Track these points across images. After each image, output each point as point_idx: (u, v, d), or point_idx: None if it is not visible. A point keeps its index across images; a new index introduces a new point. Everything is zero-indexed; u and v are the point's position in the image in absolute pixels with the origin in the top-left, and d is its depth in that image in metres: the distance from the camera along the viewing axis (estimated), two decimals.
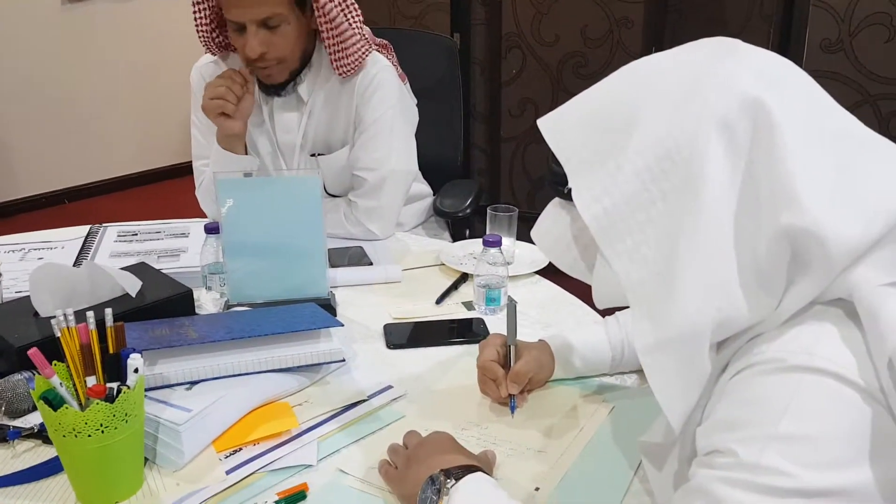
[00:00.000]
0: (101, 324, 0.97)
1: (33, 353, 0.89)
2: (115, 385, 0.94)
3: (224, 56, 1.78)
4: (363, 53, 1.71)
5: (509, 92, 3.28)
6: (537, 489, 0.98)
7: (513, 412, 1.11)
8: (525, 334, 1.20)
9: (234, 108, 1.63)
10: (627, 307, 0.78)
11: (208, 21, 1.68)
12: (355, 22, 1.69)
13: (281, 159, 1.83)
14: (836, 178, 0.70)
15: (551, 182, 0.86)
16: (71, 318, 0.94)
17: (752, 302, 0.72)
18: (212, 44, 1.73)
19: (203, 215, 1.87)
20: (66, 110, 4.18)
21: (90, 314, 0.95)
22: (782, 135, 0.70)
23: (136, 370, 0.94)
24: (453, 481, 0.86)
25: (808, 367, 0.68)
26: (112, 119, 4.37)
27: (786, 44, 2.65)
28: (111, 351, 0.98)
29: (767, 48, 0.76)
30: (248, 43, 1.59)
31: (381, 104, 1.74)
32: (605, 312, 1.24)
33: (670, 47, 0.80)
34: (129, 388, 0.93)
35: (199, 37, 1.72)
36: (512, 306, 1.14)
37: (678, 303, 0.72)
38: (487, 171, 3.45)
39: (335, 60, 1.69)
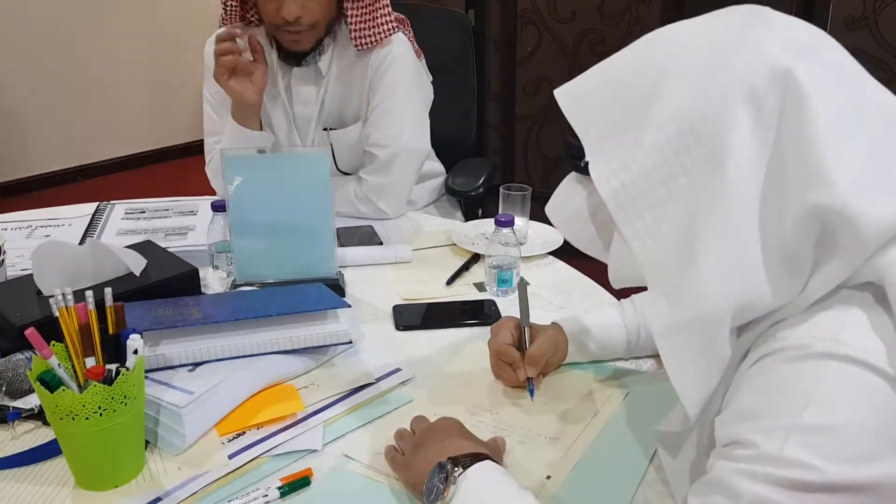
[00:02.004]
0: (102, 304, 0.94)
1: (30, 332, 0.87)
2: (113, 367, 0.92)
3: (245, 31, 1.74)
4: (389, 29, 1.68)
5: (524, 70, 3.23)
6: (548, 477, 0.95)
7: (532, 395, 1.08)
8: (538, 317, 1.17)
9: (247, 64, 1.61)
10: (645, 287, 0.74)
11: None
12: None
13: (296, 133, 1.79)
14: (868, 155, 0.66)
15: (568, 155, 0.82)
16: (69, 297, 0.92)
17: (775, 285, 0.68)
18: (236, 17, 1.69)
19: (213, 193, 1.85)
20: (80, 88, 4.17)
21: (89, 293, 0.93)
22: (813, 108, 0.65)
23: (135, 351, 0.92)
24: (461, 469, 0.83)
25: (834, 353, 0.64)
26: (126, 96, 4.36)
27: (808, 19, 2.56)
28: (111, 331, 0.95)
29: None
30: (285, 5, 1.57)
31: (395, 80, 1.70)
32: (621, 294, 1.21)
33: None
34: (127, 370, 0.91)
35: (227, 8, 1.68)
36: (523, 286, 1.11)
37: (698, 283, 0.69)
38: (501, 151, 3.40)
39: (356, 31, 1.65)
